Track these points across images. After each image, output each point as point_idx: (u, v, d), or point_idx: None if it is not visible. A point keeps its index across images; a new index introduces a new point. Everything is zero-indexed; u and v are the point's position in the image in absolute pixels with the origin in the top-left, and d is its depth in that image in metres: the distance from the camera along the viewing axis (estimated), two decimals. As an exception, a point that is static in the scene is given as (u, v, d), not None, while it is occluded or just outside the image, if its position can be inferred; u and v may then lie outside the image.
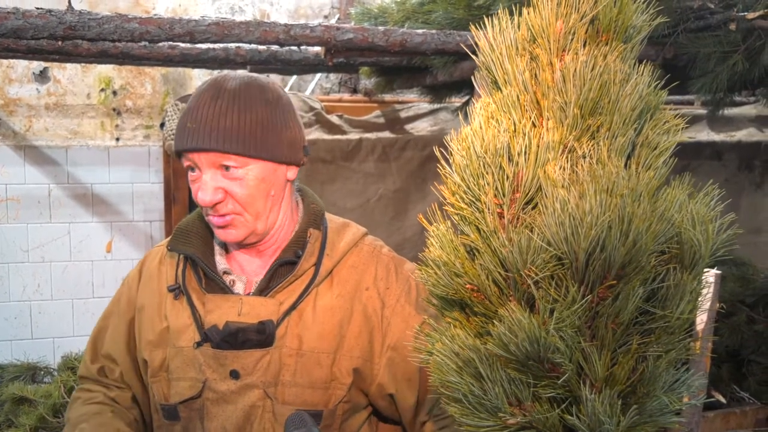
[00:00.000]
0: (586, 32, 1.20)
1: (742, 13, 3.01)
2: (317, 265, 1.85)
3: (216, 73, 5.09)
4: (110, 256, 5.06)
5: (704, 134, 5.53)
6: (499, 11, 1.23)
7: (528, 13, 1.23)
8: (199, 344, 1.82)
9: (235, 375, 1.79)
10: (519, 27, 1.24)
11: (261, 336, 1.79)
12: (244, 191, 1.75)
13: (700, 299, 1.18)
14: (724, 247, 1.17)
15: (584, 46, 1.20)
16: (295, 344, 1.80)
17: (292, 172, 1.86)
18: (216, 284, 1.86)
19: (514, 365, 1.11)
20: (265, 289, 1.84)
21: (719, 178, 5.40)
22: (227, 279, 1.88)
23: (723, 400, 3.69)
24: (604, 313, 1.10)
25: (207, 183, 1.74)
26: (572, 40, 1.19)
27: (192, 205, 4.93)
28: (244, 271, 1.91)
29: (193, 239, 1.91)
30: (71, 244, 4.97)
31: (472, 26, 1.28)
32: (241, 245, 1.88)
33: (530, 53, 1.22)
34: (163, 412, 1.89)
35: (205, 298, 1.84)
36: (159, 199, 5.07)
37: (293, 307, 1.82)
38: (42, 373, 3.78)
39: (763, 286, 4.18)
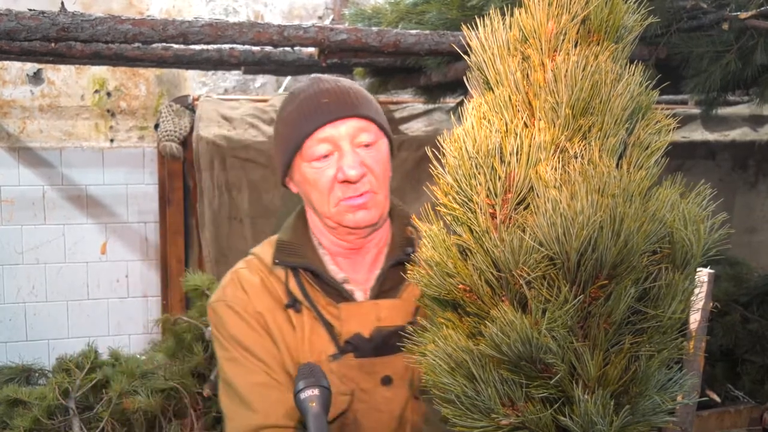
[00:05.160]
0: (577, 32, 1.20)
1: (735, 13, 3.02)
2: None
3: (210, 74, 5.09)
4: (105, 258, 5.05)
5: (698, 134, 5.54)
6: (491, 11, 1.23)
7: (519, 14, 1.24)
8: (340, 354, 1.75)
9: (387, 381, 1.75)
10: (510, 27, 1.24)
11: None
12: (379, 165, 1.72)
13: (692, 299, 1.18)
14: (716, 247, 1.17)
15: (575, 46, 1.20)
16: None
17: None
18: (338, 293, 1.79)
19: (507, 366, 1.11)
20: (380, 293, 1.80)
21: (713, 177, 5.41)
22: (347, 288, 1.81)
23: (717, 399, 3.70)
24: (596, 313, 1.10)
25: (351, 156, 1.70)
26: (563, 40, 1.19)
27: (186, 206, 4.93)
28: (353, 279, 1.84)
29: (302, 251, 1.82)
30: (66, 246, 4.96)
31: (464, 27, 1.28)
32: (364, 232, 1.78)
33: (522, 54, 1.22)
34: None
35: (338, 308, 1.77)
36: (153, 200, 5.06)
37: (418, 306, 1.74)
38: (37, 375, 3.76)
39: (757, 285, 4.19)
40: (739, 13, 3.01)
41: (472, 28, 1.27)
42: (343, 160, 1.69)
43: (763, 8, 2.97)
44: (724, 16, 3.05)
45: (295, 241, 1.84)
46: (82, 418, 3.23)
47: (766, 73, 3.12)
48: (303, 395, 1.52)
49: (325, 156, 1.71)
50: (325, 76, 1.80)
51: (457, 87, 4.21)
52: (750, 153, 5.65)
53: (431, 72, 3.85)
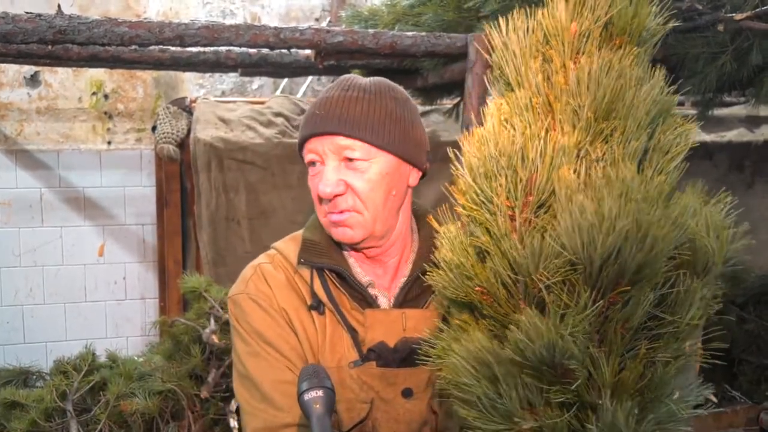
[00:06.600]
0: (600, 35, 1.19)
1: (731, 14, 3.03)
2: None
3: (208, 76, 5.09)
4: (102, 260, 5.04)
5: (694, 134, 5.54)
6: (515, 12, 1.21)
7: (542, 15, 1.22)
8: (362, 361, 1.72)
9: (408, 393, 1.72)
10: (531, 29, 1.23)
11: None
12: (366, 185, 1.66)
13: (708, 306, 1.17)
14: (737, 256, 1.17)
15: (598, 49, 1.19)
16: None
17: (414, 177, 1.77)
18: (363, 298, 1.76)
19: (528, 371, 1.10)
20: (404, 301, 1.77)
21: (710, 178, 5.39)
22: (371, 292, 1.77)
23: (714, 399, 3.71)
24: (614, 318, 1.09)
25: (329, 173, 1.67)
26: (586, 42, 1.18)
27: (184, 208, 4.93)
28: (378, 283, 1.81)
29: (329, 251, 1.78)
30: (63, 248, 4.95)
31: (486, 25, 1.26)
32: (357, 248, 1.77)
33: (543, 55, 1.21)
34: None
35: (364, 314, 1.74)
36: (151, 202, 5.05)
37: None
38: (34, 377, 3.74)
39: (753, 285, 4.21)
40: (734, 14, 3.02)
41: (490, 28, 1.25)
42: (321, 176, 1.68)
43: (758, 9, 2.99)
44: (720, 17, 3.06)
45: (321, 241, 1.79)
46: (79, 420, 3.22)
47: (761, 73, 3.14)
48: (307, 396, 1.48)
49: (314, 164, 1.71)
50: (354, 81, 1.74)
51: (454, 88, 4.21)
52: (746, 154, 5.64)
53: (428, 74, 3.85)
